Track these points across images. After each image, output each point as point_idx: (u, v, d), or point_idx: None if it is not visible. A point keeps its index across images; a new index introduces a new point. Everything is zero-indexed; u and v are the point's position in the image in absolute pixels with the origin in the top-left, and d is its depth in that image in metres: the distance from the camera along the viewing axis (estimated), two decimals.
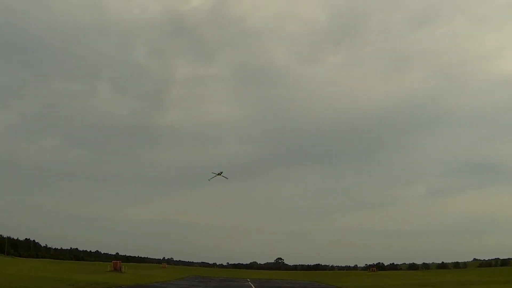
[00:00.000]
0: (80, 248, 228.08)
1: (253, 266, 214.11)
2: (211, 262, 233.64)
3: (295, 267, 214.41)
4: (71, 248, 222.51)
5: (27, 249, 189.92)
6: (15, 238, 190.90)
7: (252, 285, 58.80)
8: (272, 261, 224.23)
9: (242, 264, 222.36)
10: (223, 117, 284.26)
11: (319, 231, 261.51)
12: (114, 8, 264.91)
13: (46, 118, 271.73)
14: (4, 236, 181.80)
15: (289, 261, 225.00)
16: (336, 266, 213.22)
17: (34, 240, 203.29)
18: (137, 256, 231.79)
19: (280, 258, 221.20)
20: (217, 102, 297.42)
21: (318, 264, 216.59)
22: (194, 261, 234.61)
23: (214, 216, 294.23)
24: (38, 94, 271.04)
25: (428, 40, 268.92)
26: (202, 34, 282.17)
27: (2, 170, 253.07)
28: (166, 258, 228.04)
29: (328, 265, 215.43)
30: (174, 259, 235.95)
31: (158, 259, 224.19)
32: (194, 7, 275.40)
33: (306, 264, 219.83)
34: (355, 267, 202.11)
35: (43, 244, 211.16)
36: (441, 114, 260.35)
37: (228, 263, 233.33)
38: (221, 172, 57.03)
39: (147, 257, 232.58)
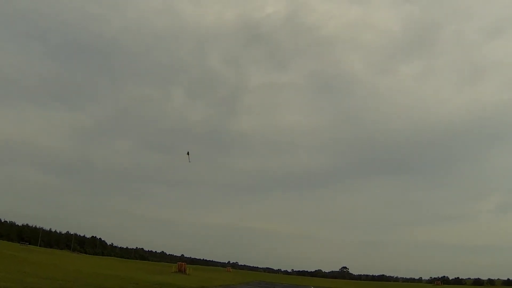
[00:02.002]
0: (146, 249, 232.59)
1: (318, 274, 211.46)
2: (275, 268, 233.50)
3: (359, 277, 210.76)
4: (136, 247, 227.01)
5: (93, 246, 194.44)
6: (82, 235, 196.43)
7: None
8: (337, 269, 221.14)
9: (307, 271, 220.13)
10: (296, 125, 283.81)
11: (386, 242, 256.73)
12: (189, 15, 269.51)
13: (120, 121, 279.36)
14: (71, 233, 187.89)
15: (354, 270, 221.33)
16: (400, 277, 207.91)
17: (100, 238, 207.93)
18: (202, 258, 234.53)
19: (345, 267, 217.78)
20: (290, 110, 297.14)
21: (383, 274, 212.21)
22: (259, 266, 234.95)
23: (282, 223, 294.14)
24: (113, 98, 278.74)
25: (502, 51, 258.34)
26: (276, 42, 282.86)
27: (75, 170, 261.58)
28: (231, 262, 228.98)
29: (392, 276, 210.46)
30: (239, 263, 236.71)
31: (223, 262, 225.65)
32: (268, 15, 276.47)
33: (371, 274, 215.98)
34: (420, 280, 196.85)
35: (109, 243, 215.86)
36: None
37: (292, 270, 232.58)
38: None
39: (212, 260, 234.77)
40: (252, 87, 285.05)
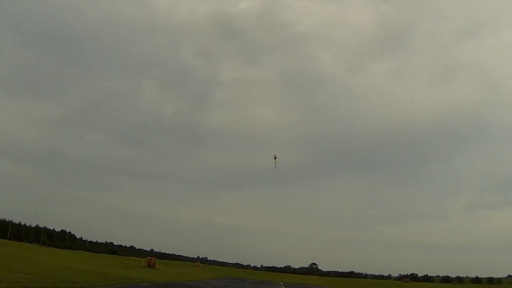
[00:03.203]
0: (116, 243, 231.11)
1: (287, 270, 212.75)
2: (245, 263, 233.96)
3: (328, 273, 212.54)
4: (106, 241, 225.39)
5: (62, 240, 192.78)
6: (52, 228, 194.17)
7: None
8: (306, 266, 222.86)
9: (276, 267, 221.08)
10: (267, 121, 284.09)
11: (355, 239, 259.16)
12: (163, 8, 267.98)
13: (92, 113, 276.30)
14: (41, 226, 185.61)
15: (323, 267, 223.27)
16: (370, 274, 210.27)
17: (70, 232, 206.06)
18: (171, 253, 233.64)
19: (314, 264, 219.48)
20: (262, 106, 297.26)
21: (352, 271, 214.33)
22: (228, 262, 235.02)
23: (251, 219, 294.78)
24: (85, 90, 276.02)
25: (474, 52, 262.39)
26: (250, 37, 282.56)
27: (46, 162, 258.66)
28: (200, 257, 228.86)
29: (361, 273, 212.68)
30: (209, 259, 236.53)
31: (192, 257, 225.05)
32: (242, 10, 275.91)
33: (340, 271, 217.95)
34: (389, 277, 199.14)
35: (78, 236, 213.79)
36: (485, 127, 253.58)
37: (262, 265, 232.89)
38: None
39: (181, 255, 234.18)
40: (224, 82, 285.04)
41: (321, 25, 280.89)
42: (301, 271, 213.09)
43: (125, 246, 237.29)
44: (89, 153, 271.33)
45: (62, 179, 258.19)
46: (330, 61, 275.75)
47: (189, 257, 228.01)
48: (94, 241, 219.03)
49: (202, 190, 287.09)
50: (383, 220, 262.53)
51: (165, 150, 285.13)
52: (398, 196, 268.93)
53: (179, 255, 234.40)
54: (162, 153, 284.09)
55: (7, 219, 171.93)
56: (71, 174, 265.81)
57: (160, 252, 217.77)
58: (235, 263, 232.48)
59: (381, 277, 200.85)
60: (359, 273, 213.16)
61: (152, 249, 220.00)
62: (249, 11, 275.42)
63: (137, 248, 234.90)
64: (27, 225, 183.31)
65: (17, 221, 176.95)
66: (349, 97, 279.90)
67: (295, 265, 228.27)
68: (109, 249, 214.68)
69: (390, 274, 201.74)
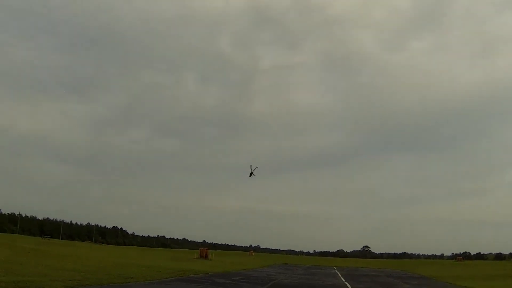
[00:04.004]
0: (167, 236, 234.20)
1: (340, 254, 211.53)
2: (297, 250, 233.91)
3: (381, 255, 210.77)
4: (158, 235, 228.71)
5: (114, 236, 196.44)
6: (103, 226, 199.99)
7: (338, 273, 57.04)
8: (359, 249, 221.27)
9: (329, 252, 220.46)
10: (310, 106, 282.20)
11: (406, 219, 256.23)
12: (197, 0, 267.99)
13: (134, 110, 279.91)
14: (92, 224, 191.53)
15: (376, 249, 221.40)
16: (422, 254, 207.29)
17: (121, 228, 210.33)
18: (223, 243, 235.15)
19: (367, 246, 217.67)
20: (303, 91, 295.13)
21: (405, 252, 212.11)
22: (280, 249, 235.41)
23: (301, 204, 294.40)
24: (126, 87, 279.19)
25: None
26: (286, 23, 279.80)
27: (92, 161, 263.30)
28: (253, 245, 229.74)
29: (414, 254, 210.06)
30: (261, 247, 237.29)
31: (245, 246, 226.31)
32: None
33: (393, 252, 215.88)
34: (441, 256, 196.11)
35: (130, 232, 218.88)
36: None
37: (314, 251, 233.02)
38: None
39: (233, 245, 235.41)
40: (264, 69, 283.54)
41: (357, 5, 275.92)
42: (354, 254, 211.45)
43: (177, 239, 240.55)
44: (134, 149, 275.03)
45: (110, 176, 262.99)
46: (368, 41, 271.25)
47: (241, 246, 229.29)
48: (146, 235, 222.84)
49: (250, 178, 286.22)
50: (432, 198, 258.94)
51: (209, 141, 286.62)
52: (446, 174, 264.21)
53: (231, 245, 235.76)
54: (206, 144, 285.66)
55: (58, 219, 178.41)
56: (117, 171, 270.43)
57: (212, 243, 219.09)
58: (288, 250, 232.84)
59: (433, 257, 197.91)
60: (412, 253, 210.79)
61: (204, 240, 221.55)
62: None
63: (189, 240, 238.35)
64: (79, 223, 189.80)
65: (68, 221, 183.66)
66: (389, 77, 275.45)
67: (348, 248, 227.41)
68: (161, 243, 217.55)
69: (442, 254, 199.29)
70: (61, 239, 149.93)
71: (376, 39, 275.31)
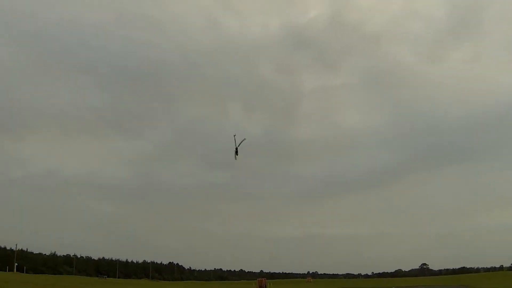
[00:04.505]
0: (224, 268, 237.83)
1: (398, 273, 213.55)
2: (355, 273, 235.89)
3: (440, 272, 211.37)
4: (214, 268, 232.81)
5: (171, 272, 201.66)
6: (159, 262, 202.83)
7: None
8: (417, 267, 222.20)
9: (387, 272, 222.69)
10: (355, 126, 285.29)
11: (462, 231, 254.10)
12: (234, 29, 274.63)
13: (180, 143, 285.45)
14: (148, 261, 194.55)
15: (434, 266, 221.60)
16: (481, 267, 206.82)
17: (177, 264, 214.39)
18: (281, 272, 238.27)
19: (425, 264, 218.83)
20: (347, 111, 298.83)
21: (463, 267, 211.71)
22: (338, 273, 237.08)
23: (355, 226, 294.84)
24: (170, 121, 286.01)
25: None
26: (324, 44, 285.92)
27: (142, 197, 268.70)
28: (310, 272, 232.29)
29: (473, 267, 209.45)
30: (319, 273, 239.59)
31: (302, 273, 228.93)
32: (312, 19, 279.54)
33: (451, 268, 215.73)
34: (501, 268, 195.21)
35: (186, 267, 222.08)
36: None
37: (372, 272, 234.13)
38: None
39: (291, 273, 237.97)
40: (306, 92, 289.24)
41: (392, 20, 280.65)
42: (412, 273, 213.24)
43: (234, 270, 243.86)
44: (183, 183, 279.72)
45: (161, 212, 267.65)
46: (407, 55, 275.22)
47: (299, 274, 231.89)
48: (203, 269, 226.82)
49: (300, 204, 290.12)
50: (487, 207, 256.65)
51: (257, 169, 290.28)
52: (500, 181, 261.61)
53: (289, 273, 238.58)
54: (255, 172, 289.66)
55: (113, 258, 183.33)
56: (168, 206, 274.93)
57: (269, 272, 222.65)
58: (346, 274, 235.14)
59: (493, 269, 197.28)
60: (471, 267, 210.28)
61: (261, 270, 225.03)
62: (319, 18, 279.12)
63: (246, 271, 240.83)
64: (134, 261, 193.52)
65: (123, 259, 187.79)
66: (431, 88, 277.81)
67: (406, 267, 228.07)
68: (218, 275, 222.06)
69: (502, 265, 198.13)
70: (118, 277, 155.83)
71: (415, 52, 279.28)
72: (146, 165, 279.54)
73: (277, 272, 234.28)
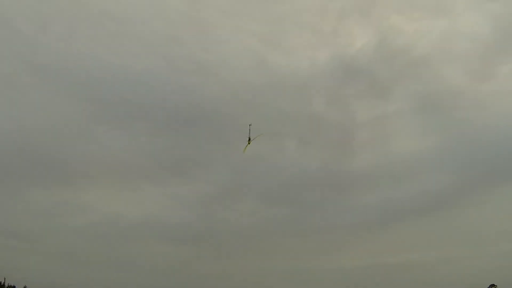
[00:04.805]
0: None
1: None
2: None
3: None
4: None
5: None
6: None
7: None
8: None
9: None
10: (410, 150, 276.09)
11: None
12: (283, 66, 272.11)
13: (238, 182, 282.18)
14: None
15: (503, 286, 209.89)
16: None
17: None
18: None
19: (493, 285, 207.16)
20: (402, 137, 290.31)
21: None
22: None
23: (417, 252, 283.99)
24: (226, 161, 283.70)
25: None
26: (374, 72, 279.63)
27: (203, 239, 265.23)
28: None
29: None
30: None
31: None
32: (359, 49, 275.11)
33: None
34: None
35: None
36: None
37: None
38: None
39: None
40: (360, 122, 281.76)
41: (438, 42, 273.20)
42: None
43: None
44: (244, 221, 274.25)
45: (224, 251, 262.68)
46: (456, 75, 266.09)
47: None
48: None
49: (361, 233, 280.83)
50: None
51: (316, 202, 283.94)
52: None
53: None
54: (314, 206, 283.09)
55: None
56: (231, 245, 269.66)
57: None
58: None
59: None
60: None
61: None
62: (366, 47, 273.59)
63: None
64: None
65: None
66: (483, 107, 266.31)
67: None
68: None
69: None
70: None
71: (464, 72, 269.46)
72: (206, 206, 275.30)
73: None
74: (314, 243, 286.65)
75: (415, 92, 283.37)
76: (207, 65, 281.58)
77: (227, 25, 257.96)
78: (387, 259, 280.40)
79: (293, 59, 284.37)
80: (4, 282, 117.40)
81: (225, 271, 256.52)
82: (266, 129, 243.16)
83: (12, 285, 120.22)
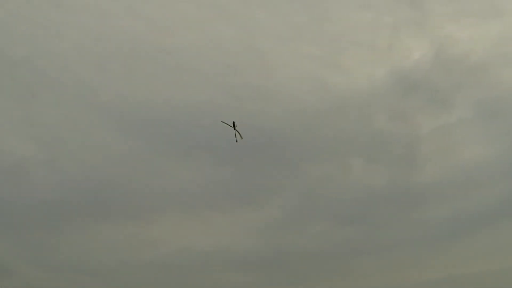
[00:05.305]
0: None
1: None
2: None
3: None
4: None
5: None
6: None
7: None
8: None
9: None
10: (477, 159, 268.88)
11: None
12: (342, 85, 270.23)
13: (307, 205, 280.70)
14: None
15: None
16: None
17: None
18: None
19: None
20: (467, 146, 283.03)
21: None
22: None
23: (498, 260, 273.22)
24: (295, 185, 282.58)
25: None
26: (433, 83, 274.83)
27: (276, 264, 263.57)
28: None
29: None
30: None
31: None
32: (416, 60, 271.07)
33: None
34: None
35: None
36: None
37: None
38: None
39: None
40: (424, 135, 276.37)
41: (494, 46, 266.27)
42: None
43: None
44: (314, 244, 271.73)
45: (296, 277, 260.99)
46: None
47: None
48: None
49: (434, 247, 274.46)
50: None
51: (387, 219, 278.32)
52: None
53: None
54: (385, 223, 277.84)
55: None
56: (302, 269, 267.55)
57: None
58: None
59: None
60: None
61: None
62: (423, 59, 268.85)
63: None
64: None
65: None
66: None
67: None
68: None
69: None
70: None
71: None
72: (276, 232, 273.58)
73: None
74: (387, 260, 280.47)
75: (477, 99, 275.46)
76: (267, 91, 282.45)
77: (284, 50, 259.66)
78: (462, 270, 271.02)
79: (352, 78, 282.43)
80: None
81: None
82: (330, 151, 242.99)
83: None
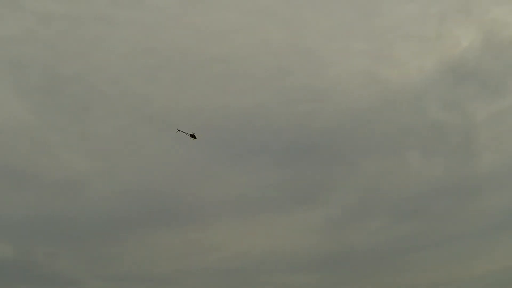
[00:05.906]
0: None
1: None
2: None
3: None
4: None
5: None
6: None
7: None
8: None
9: None
10: None
11: None
12: (393, 79, 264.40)
13: (366, 201, 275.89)
14: None
15: None
16: None
17: None
18: None
19: None
20: None
21: None
22: None
23: None
24: (352, 182, 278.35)
25: None
26: (484, 70, 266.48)
27: (337, 262, 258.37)
28: None
29: None
30: None
31: None
32: (465, 48, 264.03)
33: None
34: None
35: None
36: None
37: None
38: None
39: None
40: (479, 122, 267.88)
41: None
42: None
43: None
44: (374, 240, 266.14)
45: (357, 274, 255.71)
46: None
47: None
48: None
49: (495, 237, 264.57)
50: None
51: (446, 211, 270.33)
52: None
53: None
54: (444, 215, 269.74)
55: None
56: (363, 266, 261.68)
57: None
58: None
59: None
60: None
61: None
62: (472, 45, 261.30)
63: None
64: None
65: None
66: None
67: None
68: None
69: None
70: None
71: None
72: (336, 230, 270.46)
73: None
74: (447, 253, 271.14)
75: None
76: (319, 91, 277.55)
77: (333, 48, 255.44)
78: None
79: (402, 71, 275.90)
80: None
81: None
82: (386, 145, 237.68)
83: None
